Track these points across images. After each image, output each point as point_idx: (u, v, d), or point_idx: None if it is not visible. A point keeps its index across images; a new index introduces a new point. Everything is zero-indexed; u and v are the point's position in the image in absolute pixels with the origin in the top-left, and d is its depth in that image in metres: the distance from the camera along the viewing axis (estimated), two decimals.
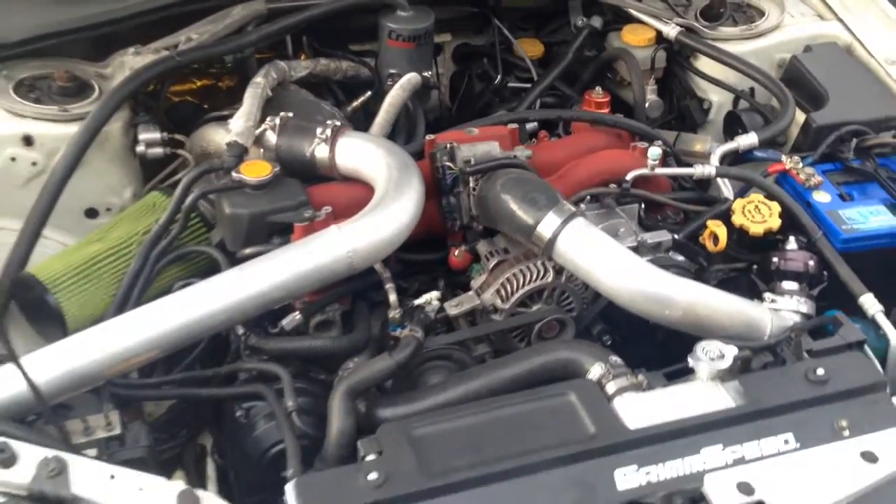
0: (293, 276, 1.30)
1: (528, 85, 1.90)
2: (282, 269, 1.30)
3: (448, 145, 1.46)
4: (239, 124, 1.53)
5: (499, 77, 1.91)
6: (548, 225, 1.36)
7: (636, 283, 1.34)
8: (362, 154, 1.46)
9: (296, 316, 1.37)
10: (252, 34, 1.71)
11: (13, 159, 1.52)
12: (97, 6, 1.66)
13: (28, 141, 1.52)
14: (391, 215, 1.35)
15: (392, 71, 1.76)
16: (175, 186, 1.53)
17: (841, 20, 1.91)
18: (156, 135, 1.57)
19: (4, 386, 1.18)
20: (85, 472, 1.11)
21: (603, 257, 1.35)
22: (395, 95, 1.67)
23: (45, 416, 1.17)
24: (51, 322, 1.37)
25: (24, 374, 1.13)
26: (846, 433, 1.26)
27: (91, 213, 1.59)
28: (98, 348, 1.23)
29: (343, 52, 1.85)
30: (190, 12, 1.70)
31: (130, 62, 1.64)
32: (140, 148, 1.57)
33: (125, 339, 1.24)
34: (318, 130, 1.48)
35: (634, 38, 1.87)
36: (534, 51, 1.95)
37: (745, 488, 1.18)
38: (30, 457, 1.11)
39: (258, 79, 1.65)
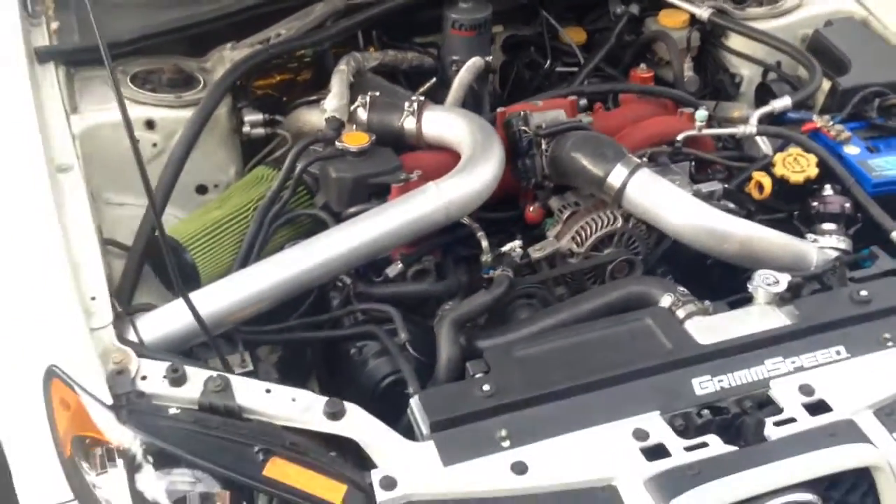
0: (399, 226, 1.50)
1: (576, 69, 2.09)
2: (390, 220, 1.50)
3: (522, 113, 1.66)
4: (333, 103, 1.73)
5: (548, 62, 2.11)
6: (617, 175, 1.55)
7: (699, 221, 1.53)
8: (447, 123, 1.66)
9: (398, 265, 1.57)
10: (332, 28, 1.91)
11: (137, 141, 1.71)
12: (195, 8, 1.86)
13: (150, 125, 1.73)
14: (480, 172, 1.55)
15: (455, 58, 1.96)
16: (276, 162, 1.74)
17: None
18: (259, 117, 1.78)
19: (168, 321, 1.37)
20: (244, 388, 1.30)
21: (668, 200, 1.54)
22: (463, 77, 1.86)
23: (210, 344, 1.36)
24: (184, 279, 1.55)
25: (193, 309, 1.31)
26: (890, 344, 1.45)
27: (201, 189, 1.78)
28: (240, 291, 1.42)
29: (409, 44, 2.05)
30: (277, 10, 1.90)
31: (229, 56, 1.84)
32: (246, 129, 1.77)
33: (264, 282, 1.44)
34: (406, 104, 1.68)
35: (670, 21, 2.07)
36: (577, 38, 2.15)
37: (807, 390, 1.37)
38: (197, 377, 1.30)
39: (341, 66, 1.84)
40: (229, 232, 1.60)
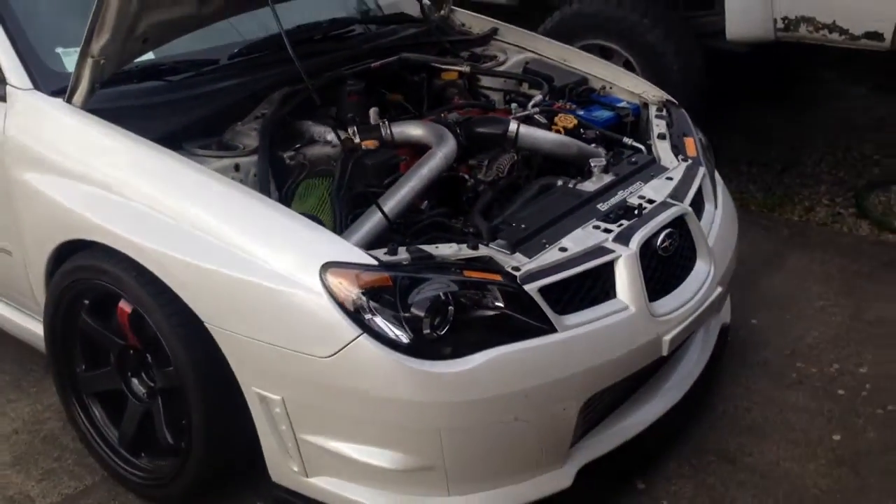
0: (429, 172, 2.63)
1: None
2: (425, 171, 2.63)
3: (443, 114, 2.92)
4: (332, 136, 2.80)
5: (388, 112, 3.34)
6: (512, 128, 2.87)
7: (558, 141, 2.93)
8: (409, 129, 2.84)
9: (426, 202, 2.69)
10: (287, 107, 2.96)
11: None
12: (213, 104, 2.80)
13: (237, 168, 2.63)
14: (449, 140, 2.75)
15: (350, 115, 3.11)
16: (313, 175, 2.75)
17: (531, 50, 3.71)
18: (292, 152, 2.76)
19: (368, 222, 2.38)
20: (428, 248, 2.34)
21: (541, 135, 2.92)
22: (373, 116, 3.03)
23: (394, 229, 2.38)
24: None
25: (382, 210, 2.33)
26: (654, 177, 2.94)
27: None
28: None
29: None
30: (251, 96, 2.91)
31: (242, 129, 2.80)
32: (287, 161, 2.74)
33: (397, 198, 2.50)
34: (381, 125, 2.82)
35: (450, 76, 3.45)
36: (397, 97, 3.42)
37: (641, 196, 2.79)
38: (401, 250, 2.30)
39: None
40: (322, 211, 2.59)
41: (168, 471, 2.61)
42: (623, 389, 2.64)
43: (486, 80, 3.53)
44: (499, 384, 2.27)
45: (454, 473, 2.31)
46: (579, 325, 2.40)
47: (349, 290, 2.22)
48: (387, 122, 2.85)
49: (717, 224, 2.98)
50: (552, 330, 2.35)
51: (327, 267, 2.23)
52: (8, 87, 2.74)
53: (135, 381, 2.71)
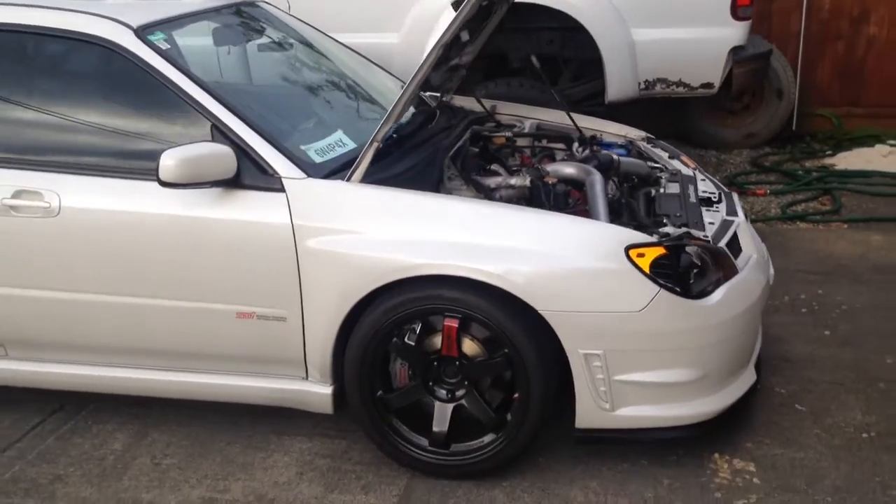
0: (603, 190, 3.70)
1: None
2: (600, 191, 3.68)
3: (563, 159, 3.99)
4: (514, 180, 3.74)
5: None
6: (616, 157, 4.02)
7: (639, 164, 4.13)
8: (561, 168, 3.87)
9: None
10: None
11: None
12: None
13: None
14: (597, 172, 3.83)
15: None
16: None
17: (530, 117, 4.86)
18: (498, 196, 3.65)
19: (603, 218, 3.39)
20: (667, 231, 3.40)
21: (630, 160, 4.11)
22: (500, 169, 4.00)
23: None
24: None
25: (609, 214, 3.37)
26: (692, 180, 4.26)
27: None
28: None
29: None
30: None
31: (450, 186, 3.63)
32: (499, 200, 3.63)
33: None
34: (541, 168, 3.81)
35: (500, 141, 4.48)
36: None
37: (704, 191, 4.09)
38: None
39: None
40: None
41: (493, 445, 3.35)
42: None
43: (519, 140, 4.64)
44: (734, 307, 3.40)
45: (717, 377, 3.38)
46: (744, 268, 3.61)
47: (645, 260, 3.23)
48: (544, 166, 3.87)
49: None
50: (737, 271, 3.53)
51: (629, 248, 3.22)
52: (284, 179, 3.33)
53: (436, 387, 3.40)
